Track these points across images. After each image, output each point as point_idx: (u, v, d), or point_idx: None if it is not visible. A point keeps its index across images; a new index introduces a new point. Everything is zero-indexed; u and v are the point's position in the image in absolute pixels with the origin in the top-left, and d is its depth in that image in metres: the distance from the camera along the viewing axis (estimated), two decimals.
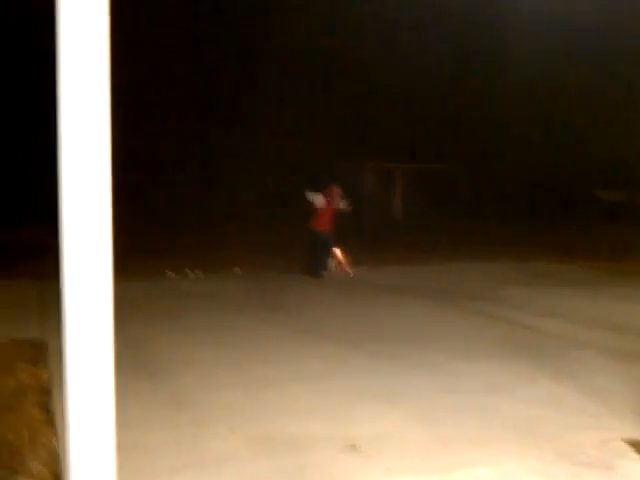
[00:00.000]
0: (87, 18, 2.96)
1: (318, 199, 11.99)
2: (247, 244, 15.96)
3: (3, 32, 20.52)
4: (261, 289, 10.90)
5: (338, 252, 12.44)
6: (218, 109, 25.17)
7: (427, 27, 26.21)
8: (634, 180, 25.93)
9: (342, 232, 12.34)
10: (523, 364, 6.51)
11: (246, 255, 14.03)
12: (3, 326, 7.71)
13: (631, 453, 4.42)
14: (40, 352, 6.60)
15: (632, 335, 7.47)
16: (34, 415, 4.95)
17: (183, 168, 24.11)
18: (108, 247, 3.16)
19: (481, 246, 16.80)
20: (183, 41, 24.25)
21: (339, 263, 12.43)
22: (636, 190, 26.24)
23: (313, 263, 12.09)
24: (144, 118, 22.62)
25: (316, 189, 12.26)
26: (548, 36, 25.44)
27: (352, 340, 7.49)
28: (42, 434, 4.57)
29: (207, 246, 15.69)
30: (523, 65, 26.82)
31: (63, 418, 3.12)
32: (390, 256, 14.72)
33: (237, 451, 4.39)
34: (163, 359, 6.63)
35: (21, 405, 5.17)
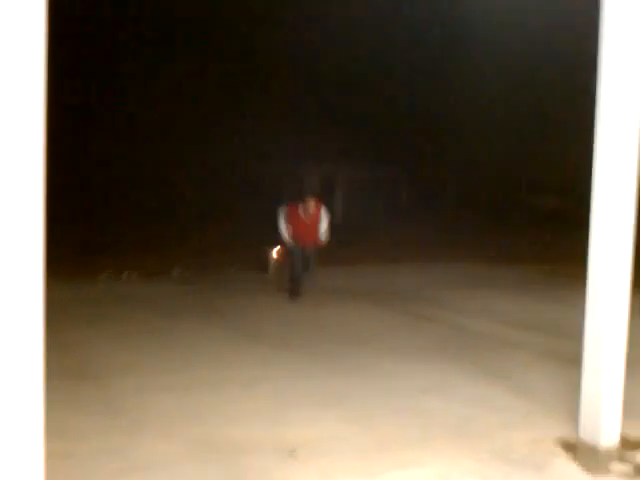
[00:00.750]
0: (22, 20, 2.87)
1: (283, 229, 10.25)
2: (188, 245, 15.79)
3: None
4: (200, 292, 10.78)
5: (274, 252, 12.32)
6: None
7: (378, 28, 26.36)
8: (568, 186, 26.70)
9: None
10: (457, 365, 6.62)
11: (186, 257, 13.87)
12: None
13: (562, 452, 4.54)
14: None
15: (564, 336, 7.68)
16: None
17: (131, 164, 23.80)
18: (40, 247, 3.07)
19: (418, 248, 17.03)
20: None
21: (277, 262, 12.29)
22: (569, 196, 27.02)
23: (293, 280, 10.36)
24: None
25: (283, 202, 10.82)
26: (490, 35, 25.70)
27: (289, 343, 7.49)
28: None
29: (147, 247, 15.44)
30: (468, 67, 27.20)
31: None
32: (329, 257, 14.78)
33: (173, 457, 4.32)
34: (97, 364, 6.49)
35: None
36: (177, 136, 24.79)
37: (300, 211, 10.19)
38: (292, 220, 10.18)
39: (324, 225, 10.31)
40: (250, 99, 25.31)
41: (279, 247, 11.76)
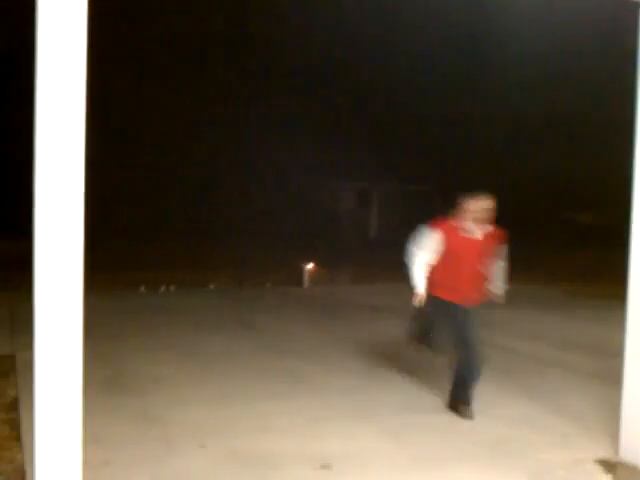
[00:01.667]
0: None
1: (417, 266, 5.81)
2: (226, 259, 15.91)
3: None
4: (235, 306, 10.84)
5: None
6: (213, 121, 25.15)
7: (410, 44, 26.37)
8: (605, 202, 26.26)
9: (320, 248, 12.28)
10: (496, 383, 6.53)
11: (223, 271, 13.98)
12: None
13: (602, 474, 4.44)
14: (9, 367, 6.49)
15: (604, 356, 7.53)
16: (1, 430, 4.86)
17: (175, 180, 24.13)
18: (80, 261, 3.13)
19: None
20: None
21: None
22: (605, 212, 26.55)
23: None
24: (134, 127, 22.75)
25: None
26: (532, 55, 25.56)
27: (321, 357, 7.47)
28: (8, 449, 4.49)
29: (184, 260, 15.60)
30: (504, 84, 27.02)
31: (30, 433, 3.07)
32: (364, 273, 14.76)
33: (206, 468, 4.34)
34: (133, 375, 6.55)
35: None
36: (218, 151, 25.03)
37: (461, 231, 5.56)
38: (447, 249, 5.57)
39: (500, 264, 5.98)
40: (292, 115, 25.48)
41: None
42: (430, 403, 5.88)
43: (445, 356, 5.80)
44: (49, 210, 3.02)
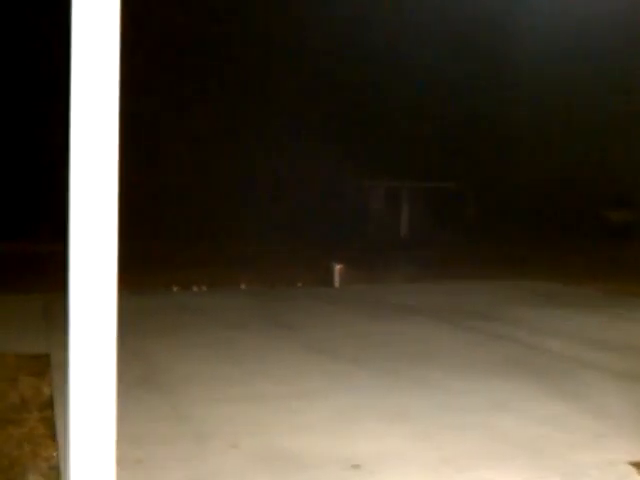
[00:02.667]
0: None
1: None
2: (257, 259, 15.99)
3: None
4: (266, 305, 10.89)
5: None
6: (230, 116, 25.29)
7: (435, 42, 26.22)
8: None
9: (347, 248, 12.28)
10: (527, 383, 6.47)
11: (255, 270, 14.04)
12: (9, 339, 7.73)
13: (636, 475, 4.37)
14: (44, 365, 6.61)
15: (637, 356, 7.42)
16: (36, 428, 4.95)
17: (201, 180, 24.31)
18: (114, 260, 3.17)
19: (486, 265, 16.75)
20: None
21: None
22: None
23: None
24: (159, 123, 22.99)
25: None
26: (559, 49, 25.25)
27: (354, 357, 7.46)
28: (43, 447, 4.57)
29: (217, 260, 15.72)
30: (533, 80, 26.73)
31: (64, 431, 3.12)
32: (395, 273, 14.71)
33: (239, 467, 4.37)
34: (166, 373, 6.63)
35: (23, 418, 5.17)
36: (244, 148, 25.17)
37: None
38: None
39: None
40: (314, 112, 25.52)
41: None
42: (465, 403, 5.84)
43: None
44: (84, 209, 3.06)
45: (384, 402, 5.84)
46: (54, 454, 4.44)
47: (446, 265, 16.71)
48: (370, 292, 12.43)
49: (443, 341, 8.58)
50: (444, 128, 27.25)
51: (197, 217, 22.84)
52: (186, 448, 4.65)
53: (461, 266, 16.45)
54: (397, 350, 7.91)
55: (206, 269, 14.01)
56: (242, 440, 4.83)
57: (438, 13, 24.68)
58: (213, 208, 23.56)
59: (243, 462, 4.44)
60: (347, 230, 22.90)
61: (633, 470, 4.45)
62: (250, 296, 11.76)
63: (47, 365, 6.63)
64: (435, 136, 27.34)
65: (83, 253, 3.08)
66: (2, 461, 4.33)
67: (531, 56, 25.48)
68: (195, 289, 12.14)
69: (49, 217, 13.93)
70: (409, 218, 28.29)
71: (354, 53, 25.83)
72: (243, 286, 12.62)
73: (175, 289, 12.03)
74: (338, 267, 12.77)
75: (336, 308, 10.88)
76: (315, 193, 25.80)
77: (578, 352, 7.97)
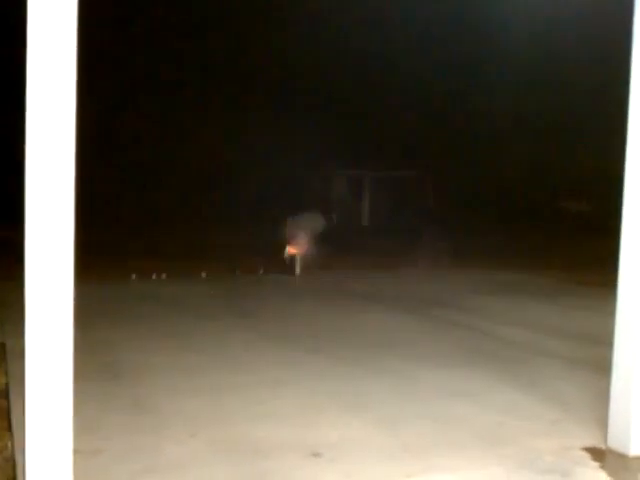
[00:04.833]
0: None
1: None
2: (217, 248, 15.87)
3: None
4: (228, 294, 10.84)
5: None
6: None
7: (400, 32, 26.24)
8: (600, 191, 26.27)
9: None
10: (483, 371, 6.56)
11: (214, 259, 13.94)
12: None
13: (590, 461, 4.48)
14: None
15: (594, 344, 7.57)
16: None
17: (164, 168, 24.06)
18: (70, 249, 3.12)
19: (446, 254, 16.86)
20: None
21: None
22: (600, 201, 26.58)
23: None
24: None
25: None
26: (529, 40, 25.41)
27: (315, 346, 7.48)
28: None
29: (176, 249, 15.55)
30: (500, 67, 26.89)
31: (20, 422, 3.07)
32: (356, 261, 14.76)
33: (198, 456, 4.35)
34: (124, 364, 6.56)
35: None
36: (201, 137, 24.96)
37: None
38: None
39: None
40: (276, 99, 25.42)
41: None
42: (427, 391, 5.90)
43: None
44: (40, 199, 3.01)
45: (345, 391, 5.87)
46: (9, 444, 4.37)
47: (407, 254, 16.80)
48: (331, 280, 12.45)
49: (404, 330, 8.64)
50: (405, 115, 27.29)
51: (157, 205, 22.59)
52: (145, 438, 4.62)
53: (425, 256, 16.53)
54: (358, 339, 7.95)
55: (166, 258, 13.84)
56: (201, 430, 4.81)
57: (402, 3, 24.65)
58: (174, 196, 23.35)
59: (202, 451, 4.43)
60: (309, 218, 22.84)
61: (587, 455, 4.55)
62: (210, 284, 11.69)
63: (2, 354, 6.50)
64: (397, 123, 27.38)
65: (39, 243, 3.02)
66: None
67: (506, 50, 25.58)
68: (154, 277, 12.00)
69: (2, 203, 13.61)
70: (371, 206, 28.37)
71: (327, 46, 25.71)
72: (204, 274, 12.52)
73: (134, 277, 11.87)
74: (299, 255, 12.76)
75: (297, 296, 10.87)
76: (278, 182, 25.70)
77: (534, 340, 8.11)
